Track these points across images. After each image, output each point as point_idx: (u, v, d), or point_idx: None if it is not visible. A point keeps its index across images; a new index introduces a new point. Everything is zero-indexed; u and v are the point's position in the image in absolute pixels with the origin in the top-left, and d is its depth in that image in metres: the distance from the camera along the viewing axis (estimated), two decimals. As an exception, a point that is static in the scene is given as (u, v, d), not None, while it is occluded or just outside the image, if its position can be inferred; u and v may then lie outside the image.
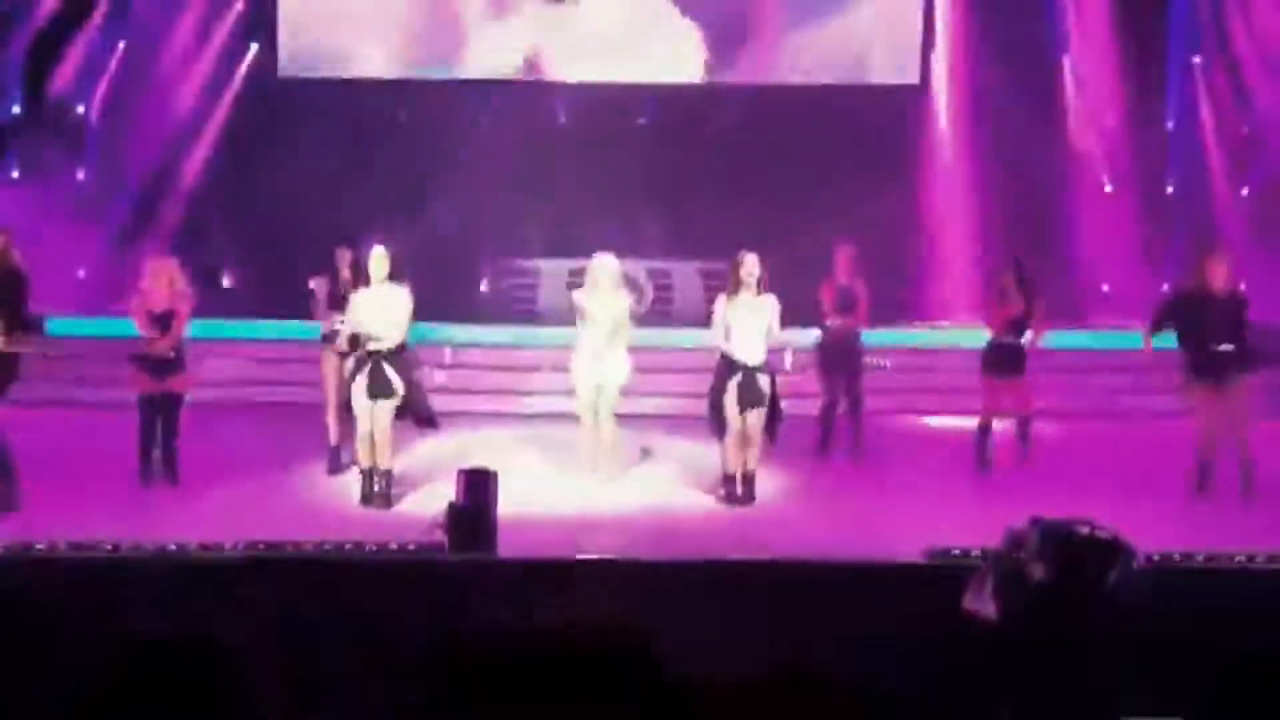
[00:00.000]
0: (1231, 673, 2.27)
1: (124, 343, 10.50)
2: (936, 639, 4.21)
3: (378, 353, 9.75)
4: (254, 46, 16.13)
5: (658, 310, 14.74)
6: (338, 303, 10.33)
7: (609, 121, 15.80)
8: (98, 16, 15.58)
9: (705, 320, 10.69)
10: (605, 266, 10.45)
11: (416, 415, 9.97)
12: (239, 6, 16.07)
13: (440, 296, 11.76)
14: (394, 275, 9.82)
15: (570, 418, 10.79)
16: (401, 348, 9.84)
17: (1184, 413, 10.51)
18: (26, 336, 10.16)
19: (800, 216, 13.84)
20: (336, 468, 10.58)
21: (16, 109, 15.58)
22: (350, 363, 9.95)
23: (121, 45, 15.72)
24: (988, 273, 13.05)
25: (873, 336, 11.72)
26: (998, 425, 10.85)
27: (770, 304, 9.95)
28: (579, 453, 10.62)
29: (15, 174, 15.48)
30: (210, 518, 8.81)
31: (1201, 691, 2.32)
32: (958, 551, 6.26)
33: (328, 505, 9.81)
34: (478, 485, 7.81)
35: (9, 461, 9.10)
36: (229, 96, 16.05)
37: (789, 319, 10.12)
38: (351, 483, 10.08)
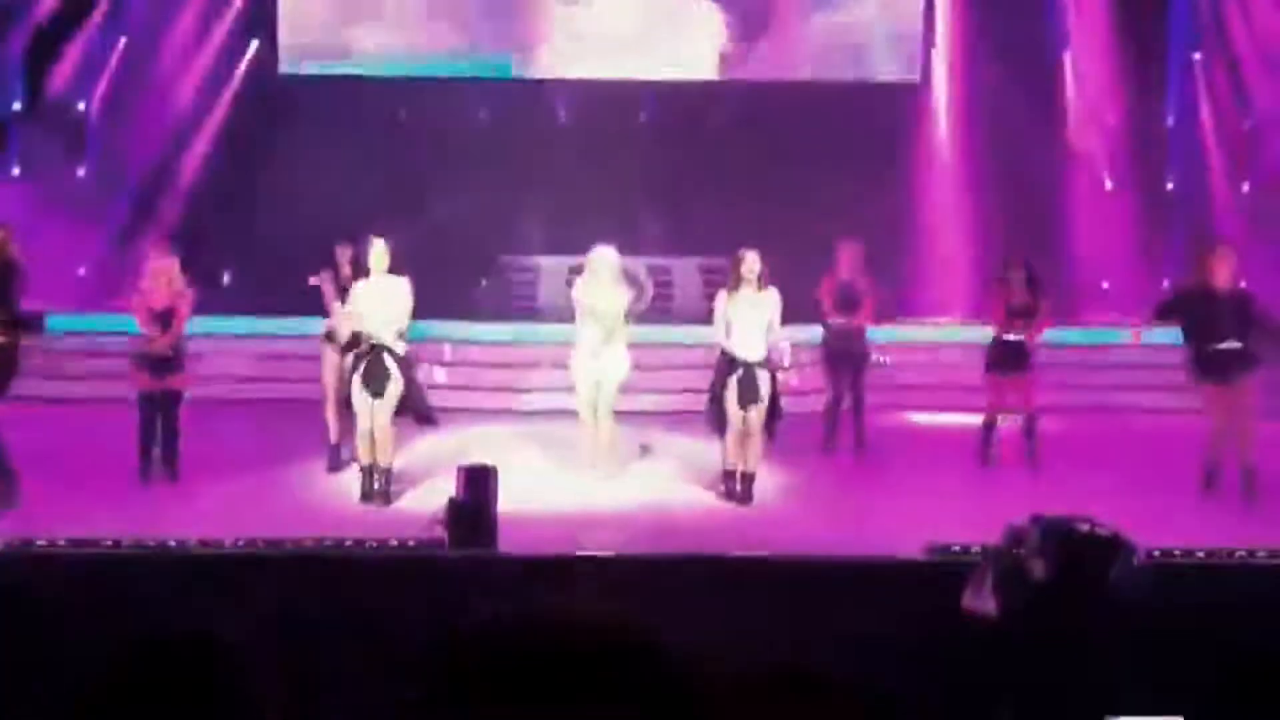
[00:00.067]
0: (1232, 669, 2.27)
1: (123, 339, 10.51)
2: (936, 635, 4.21)
3: (378, 345, 9.74)
4: (254, 43, 16.12)
5: (658, 307, 14.73)
6: (339, 299, 10.32)
7: (609, 118, 15.79)
8: (98, 13, 15.57)
9: (705, 317, 10.69)
10: (605, 259, 10.39)
11: (415, 412, 9.97)
12: (239, 3, 16.04)
13: (440, 293, 11.75)
14: (394, 268, 9.81)
15: (570, 414, 10.78)
16: (401, 338, 9.83)
17: (1184, 410, 10.51)
18: (20, 330, 10.13)
19: (800, 213, 13.83)
20: (336, 465, 10.58)
21: (17, 105, 15.57)
22: (350, 359, 9.95)
23: (122, 42, 15.71)
24: (988, 269, 13.04)
25: (873, 333, 11.73)
26: (1001, 422, 10.86)
27: (772, 299, 9.94)
28: (579, 450, 10.61)
29: (15, 171, 15.47)
30: (210, 515, 8.81)
31: (1202, 688, 2.32)
32: (958, 548, 6.26)
33: (327, 502, 9.81)
34: (478, 481, 7.82)
35: (8, 459, 9.11)
36: (229, 93, 16.04)
37: (788, 316, 10.11)
38: (351, 480, 10.07)
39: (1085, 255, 15.60)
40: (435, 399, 10.52)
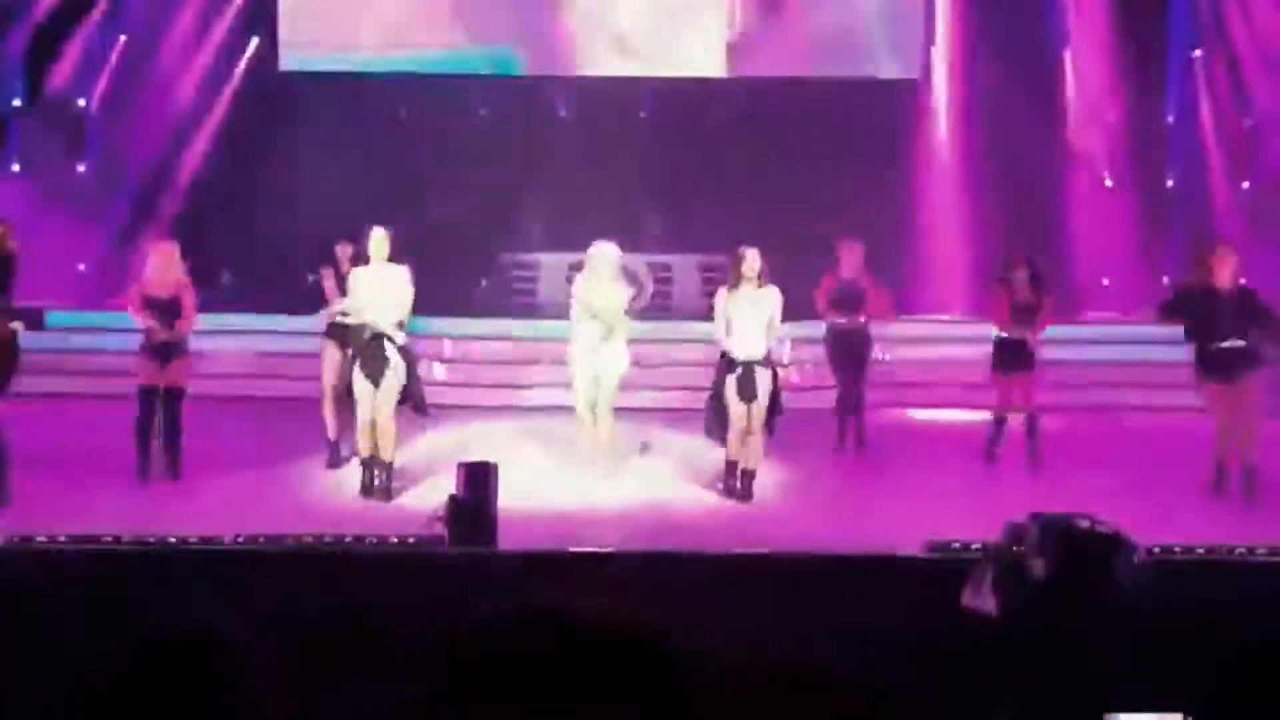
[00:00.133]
0: (1232, 666, 2.27)
1: (124, 335, 10.50)
2: (937, 632, 4.21)
3: (378, 333, 9.72)
4: (254, 40, 16.12)
5: (657, 304, 14.73)
6: (339, 296, 10.33)
7: (609, 116, 15.79)
8: (98, 10, 15.56)
9: (705, 314, 10.68)
10: (605, 255, 10.36)
11: (414, 401, 9.91)
12: (239, 1, 16.05)
13: (440, 290, 11.76)
14: (394, 257, 9.80)
15: (570, 411, 10.77)
16: (401, 327, 9.81)
17: (1185, 408, 10.51)
18: (19, 323, 10.11)
19: (800, 210, 13.84)
20: (336, 461, 10.57)
21: (17, 102, 15.56)
22: (350, 352, 9.93)
23: (122, 39, 15.71)
24: (988, 267, 13.04)
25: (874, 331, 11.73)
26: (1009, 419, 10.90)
27: (772, 296, 9.92)
28: (578, 448, 10.60)
29: (15, 167, 15.47)
30: (210, 511, 8.80)
31: (1202, 684, 2.32)
32: (958, 545, 6.26)
33: (327, 499, 9.81)
34: (478, 478, 7.82)
35: (2, 455, 9.09)
36: (229, 91, 16.04)
37: (788, 313, 10.10)
38: (352, 476, 10.07)
39: (1085, 253, 15.61)
40: (435, 396, 10.52)
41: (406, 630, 4.49)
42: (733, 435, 9.91)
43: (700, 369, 10.80)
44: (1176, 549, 6.40)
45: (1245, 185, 15.57)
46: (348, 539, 6.93)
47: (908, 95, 16.04)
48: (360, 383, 9.73)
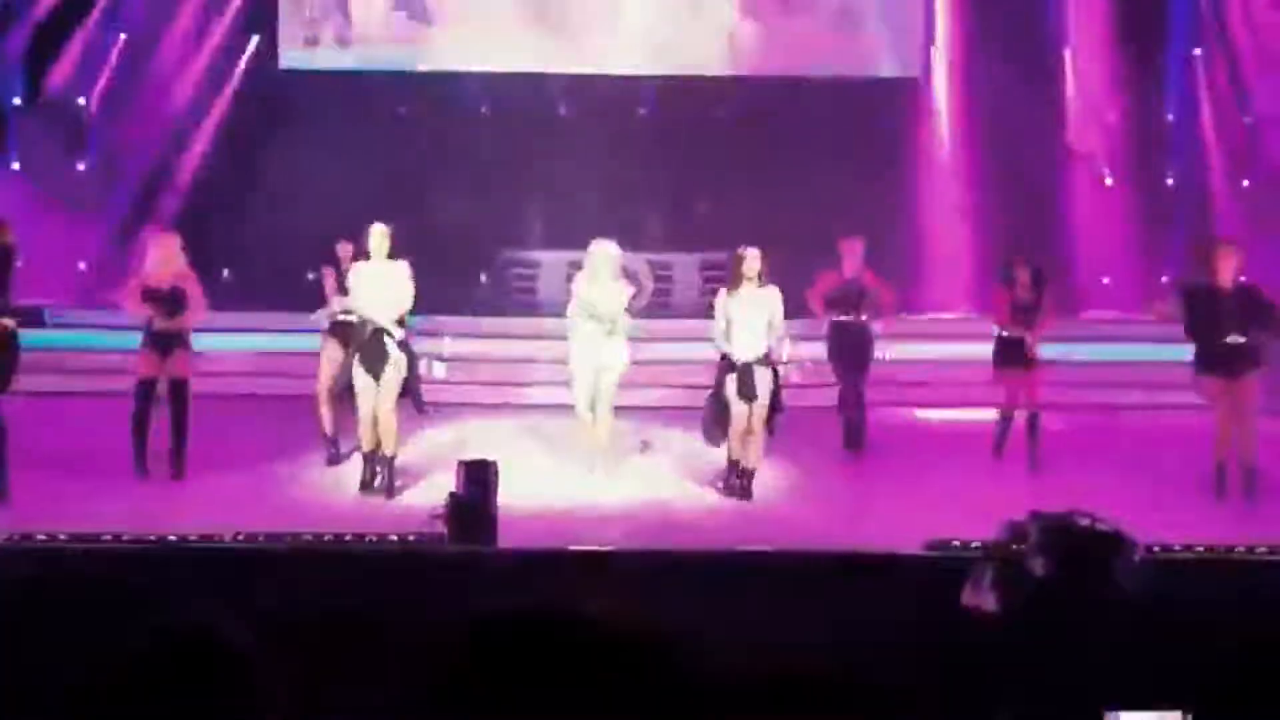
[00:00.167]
0: (1232, 664, 2.27)
1: (124, 333, 10.48)
2: (936, 631, 4.21)
3: (378, 329, 9.72)
4: (254, 38, 16.11)
5: (657, 303, 14.72)
6: (340, 295, 10.33)
7: (610, 114, 15.78)
8: (98, 8, 15.55)
9: (705, 312, 10.67)
10: (605, 254, 10.32)
11: (413, 397, 9.89)
12: (239, -1, 16.07)
13: (440, 288, 11.75)
14: (394, 254, 9.79)
15: (571, 409, 10.76)
16: (401, 324, 9.80)
17: (1185, 407, 10.51)
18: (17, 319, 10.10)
19: (800, 208, 13.84)
20: (335, 458, 10.56)
21: (16, 100, 15.56)
22: (351, 348, 9.92)
23: (122, 37, 15.71)
24: (988, 266, 13.04)
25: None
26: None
27: (773, 297, 9.91)
28: (578, 446, 10.59)
29: (15, 165, 15.47)
30: (210, 509, 8.79)
31: (1202, 683, 2.32)
32: (958, 544, 6.26)
33: (327, 497, 9.80)
34: (478, 476, 7.82)
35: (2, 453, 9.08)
36: (228, 89, 16.04)
37: (789, 312, 10.10)
38: (351, 474, 10.07)
39: (1085, 252, 15.61)
40: (435, 394, 10.52)
41: (406, 628, 4.49)
42: (733, 435, 9.90)
43: (701, 367, 10.79)
44: (1176, 547, 6.40)
45: (1245, 184, 15.57)
46: (348, 537, 6.93)
47: (908, 94, 16.03)
48: (361, 377, 9.72)
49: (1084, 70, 16.04)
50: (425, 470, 10.14)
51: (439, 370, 13.17)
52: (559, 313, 10.98)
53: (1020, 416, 10.78)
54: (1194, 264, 10.19)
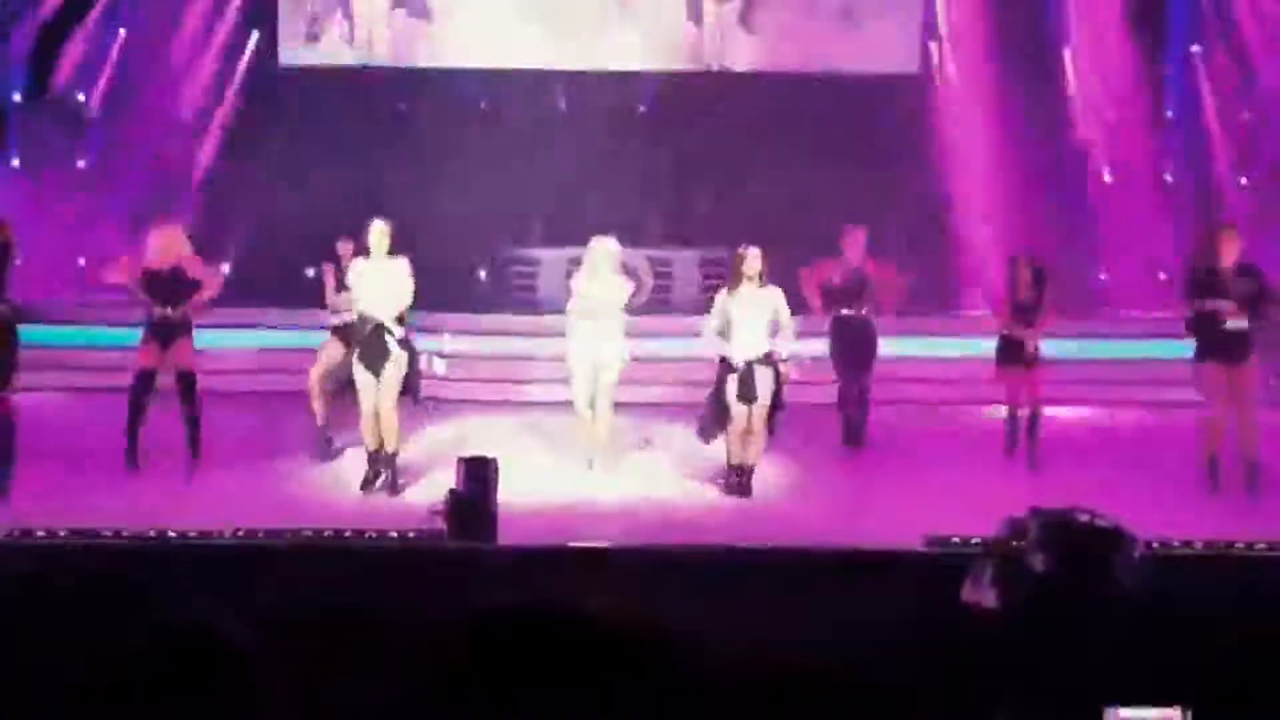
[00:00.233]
0: (1232, 660, 2.27)
1: (125, 330, 10.48)
2: (936, 627, 4.21)
3: (378, 325, 9.71)
4: (255, 35, 16.10)
5: (657, 299, 14.71)
6: (340, 292, 10.33)
7: (609, 109, 15.77)
8: (99, 6, 15.54)
9: (705, 309, 10.65)
10: (605, 251, 10.32)
11: (411, 392, 9.89)
12: (240, -5, 16.05)
13: (440, 285, 11.74)
14: (394, 250, 9.79)
15: (570, 406, 10.76)
16: (401, 321, 9.80)
17: (1185, 404, 10.50)
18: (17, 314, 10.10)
19: (800, 205, 13.81)
20: (326, 453, 10.53)
21: (17, 96, 15.54)
22: (351, 344, 9.92)
23: (123, 33, 15.69)
24: (988, 263, 13.03)
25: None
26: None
27: (774, 296, 9.90)
28: (577, 444, 10.59)
29: (15, 162, 15.45)
30: (209, 506, 8.80)
31: (1202, 679, 2.32)
32: (958, 540, 6.26)
33: (327, 493, 9.81)
34: (478, 473, 7.83)
35: (9, 448, 9.08)
36: (229, 85, 16.02)
37: (789, 309, 10.09)
38: (351, 470, 10.07)
39: (1085, 248, 15.58)
40: (435, 390, 10.53)
41: (406, 625, 4.49)
42: (733, 434, 9.89)
43: (700, 364, 10.78)
44: (1176, 544, 6.40)
45: (1243, 181, 15.55)
46: (347, 534, 6.93)
47: (908, 89, 16.01)
48: (361, 374, 9.72)
49: (1084, 67, 16.02)
50: (425, 467, 10.14)
51: (439, 367, 13.16)
52: (559, 309, 10.98)
53: (1020, 415, 10.77)
54: (1197, 250, 10.17)
